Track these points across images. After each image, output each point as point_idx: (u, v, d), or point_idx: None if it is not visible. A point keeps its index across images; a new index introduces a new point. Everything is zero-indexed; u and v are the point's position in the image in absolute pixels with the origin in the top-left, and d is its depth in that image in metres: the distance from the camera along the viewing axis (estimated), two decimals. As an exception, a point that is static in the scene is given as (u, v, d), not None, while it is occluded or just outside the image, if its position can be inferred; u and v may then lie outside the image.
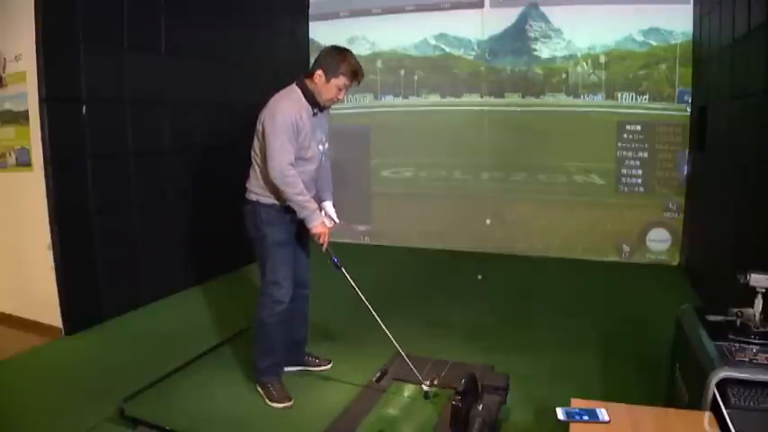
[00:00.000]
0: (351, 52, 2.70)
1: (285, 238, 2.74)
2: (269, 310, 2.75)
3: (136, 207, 4.01)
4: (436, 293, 4.43)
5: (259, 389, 2.83)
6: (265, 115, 2.62)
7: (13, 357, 3.25)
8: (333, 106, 2.80)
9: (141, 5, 3.93)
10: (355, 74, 2.66)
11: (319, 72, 2.63)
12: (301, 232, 2.79)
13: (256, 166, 2.71)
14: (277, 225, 2.71)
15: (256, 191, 2.71)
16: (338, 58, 2.64)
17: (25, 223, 3.68)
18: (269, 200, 2.69)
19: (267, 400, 2.76)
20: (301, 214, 2.65)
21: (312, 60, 2.75)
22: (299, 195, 2.61)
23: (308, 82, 2.67)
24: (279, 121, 2.55)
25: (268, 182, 2.64)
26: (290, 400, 2.75)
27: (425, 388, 2.65)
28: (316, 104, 2.68)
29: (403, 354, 2.74)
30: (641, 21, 5.03)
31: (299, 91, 2.67)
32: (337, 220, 2.99)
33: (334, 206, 3.00)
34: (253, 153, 2.73)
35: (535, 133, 5.41)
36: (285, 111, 2.57)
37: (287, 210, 2.68)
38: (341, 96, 2.71)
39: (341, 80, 2.64)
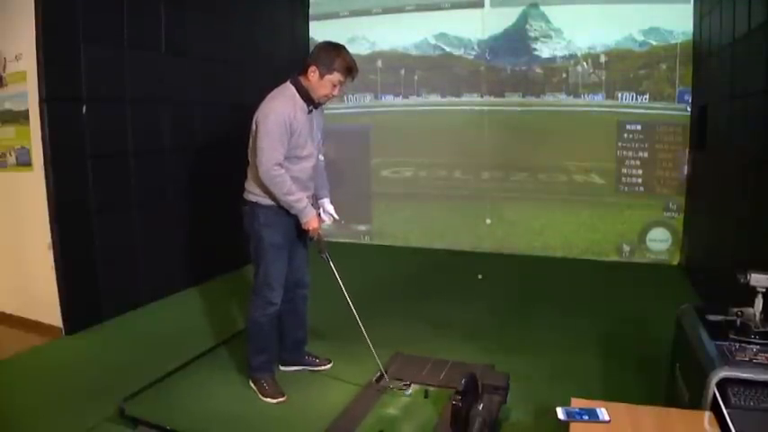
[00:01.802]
0: (344, 48, 2.66)
1: (281, 241, 2.73)
2: (261, 310, 2.75)
3: (136, 207, 4.00)
4: (436, 293, 4.43)
5: (252, 385, 2.84)
6: (259, 114, 2.60)
7: (13, 357, 3.25)
8: (332, 106, 2.78)
9: (141, 5, 3.93)
10: (349, 70, 2.62)
11: (313, 68, 2.59)
12: (300, 233, 2.78)
13: (253, 167, 2.68)
14: (274, 227, 2.70)
15: (255, 192, 2.69)
16: (332, 53, 2.61)
17: (25, 223, 3.68)
18: (268, 201, 2.67)
19: (260, 396, 2.77)
20: (293, 211, 2.65)
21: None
22: (288, 195, 2.60)
23: (302, 79, 2.64)
24: (271, 121, 2.53)
25: (261, 182, 2.62)
26: (284, 396, 2.75)
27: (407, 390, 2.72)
28: (310, 102, 2.65)
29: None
30: (641, 20, 5.03)
31: (293, 89, 2.64)
32: (337, 217, 2.99)
33: (332, 203, 3.01)
34: (249, 153, 2.70)
35: (535, 133, 5.41)
36: (278, 110, 2.55)
37: (286, 212, 2.67)
38: (336, 93, 2.67)
39: (335, 76, 2.60)
